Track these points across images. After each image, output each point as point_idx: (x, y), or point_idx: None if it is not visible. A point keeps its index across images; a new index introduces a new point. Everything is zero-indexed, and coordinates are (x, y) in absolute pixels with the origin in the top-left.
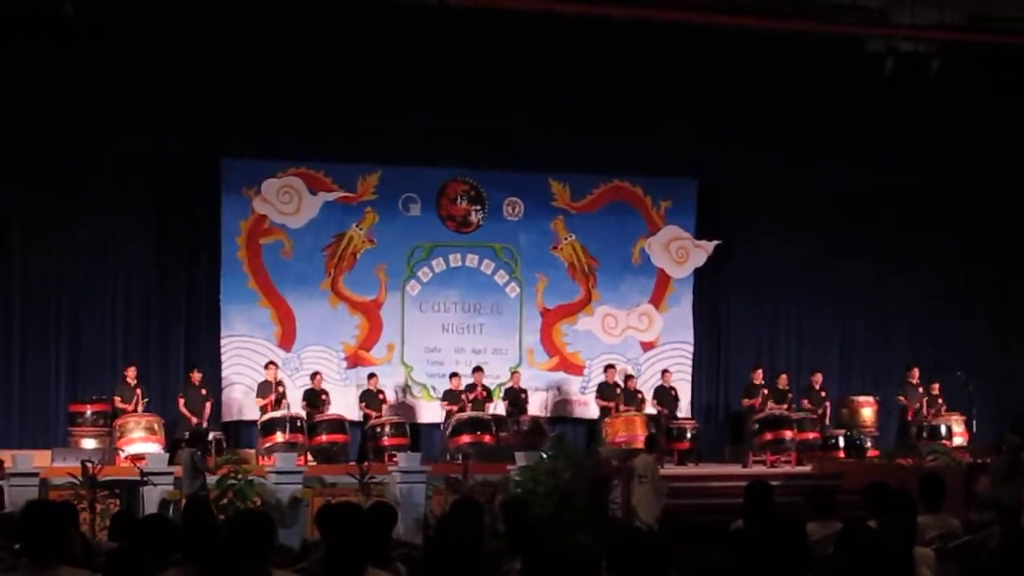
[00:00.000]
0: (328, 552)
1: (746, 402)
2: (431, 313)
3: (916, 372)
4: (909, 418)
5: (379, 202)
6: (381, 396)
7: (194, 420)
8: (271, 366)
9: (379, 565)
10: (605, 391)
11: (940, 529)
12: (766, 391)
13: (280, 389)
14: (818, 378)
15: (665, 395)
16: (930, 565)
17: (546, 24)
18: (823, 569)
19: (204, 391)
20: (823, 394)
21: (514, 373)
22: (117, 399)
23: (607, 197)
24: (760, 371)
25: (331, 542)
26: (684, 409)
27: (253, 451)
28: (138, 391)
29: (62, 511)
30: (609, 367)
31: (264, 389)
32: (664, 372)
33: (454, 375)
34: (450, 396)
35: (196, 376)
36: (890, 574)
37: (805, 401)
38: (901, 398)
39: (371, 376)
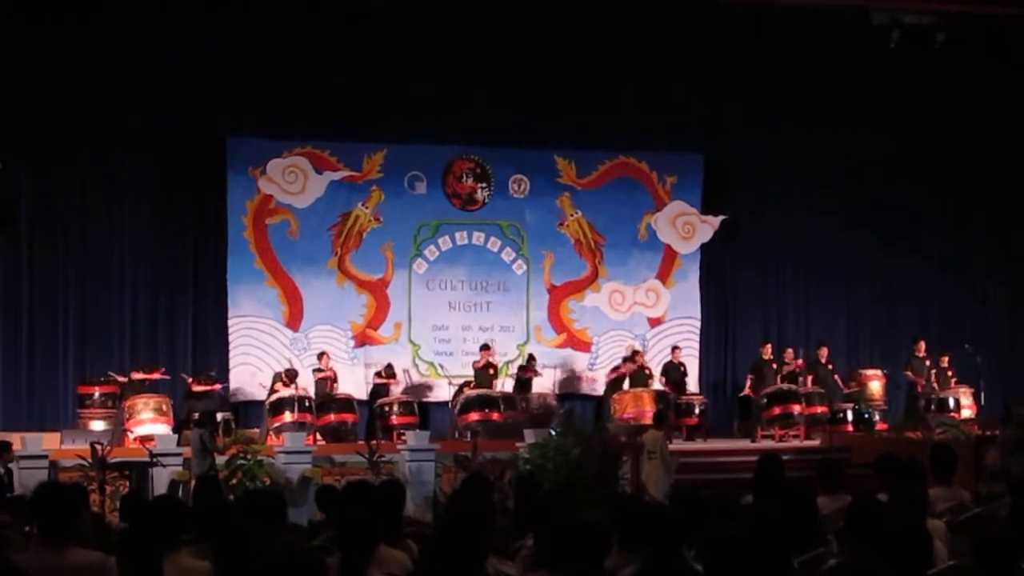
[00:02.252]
0: (340, 530)
1: (751, 379)
2: (438, 291)
3: (923, 345)
4: (919, 390)
5: (385, 180)
6: (387, 385)
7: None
8: (324, 356)
9: (390, 543)
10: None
11: (951, 501)
12: (775, 365)
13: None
14: (824, 352)
15: (674, 371)
16: (942, 538)
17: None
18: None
19: (219, 385)
20: (830, 367)
21: (531, 358)
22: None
23: (613, 173)
24: (769, 346)
25: (342, 520)
26: (692, 384)
27: (258, 431)
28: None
29: (73, 492)
30: (636, 353)
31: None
32: (674, 348)
33: (484, 347)
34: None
35: (217, 387)
36: (905, 547)
37: (811, 378)
38: (909, 373)
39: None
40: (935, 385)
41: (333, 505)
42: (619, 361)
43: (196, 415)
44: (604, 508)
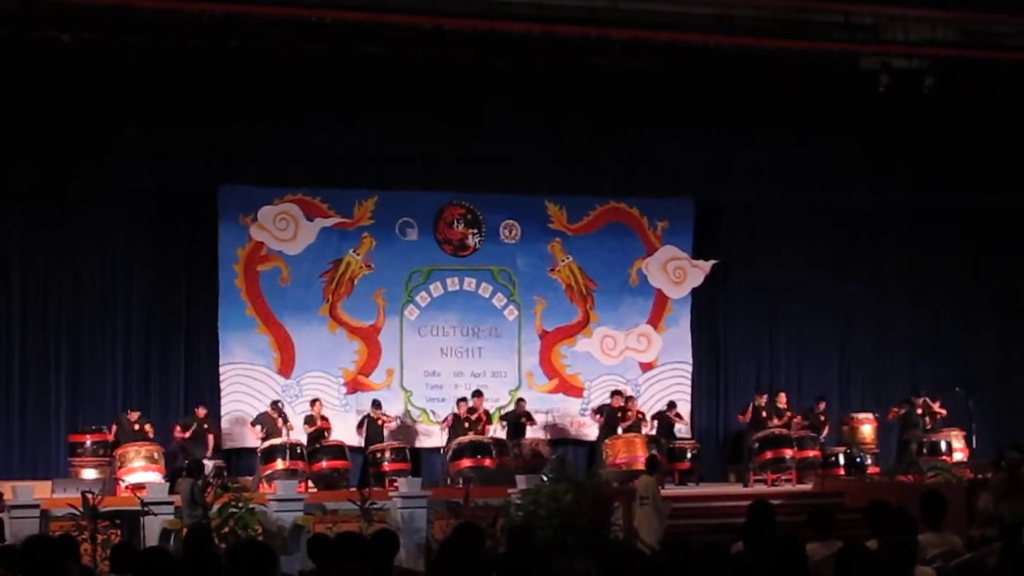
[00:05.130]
0: None
1: (740, 418)
2: (430, 337)
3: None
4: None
5: (376, 227)
6: (381, 422)
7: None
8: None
9: None
10: (608, 414)
11: (941, 547)
12: (764, 414)
13: (281, 421)
14: (822, 406)
15: (665, 421)
16: None
17: (543, 45)
18: None
19: (207, 425)
20: (823, 418)
21: (520, 401)
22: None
23: (604, 218)
24: (765, 396)
25: (333, 573)
26: (684, 429)
27: (251, 478)
28: (145, 429)
29: (61, 546)
30: (616, 393)
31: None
32: (671, 405)
33: (462, 400)
34: (456, 420)
35: (201, 411)
36: None
37: (799, 418)
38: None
39: (375, 404)
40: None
41: (325, 555)
42: (605, 401)
43: (187, 463)
44: (595, 557)
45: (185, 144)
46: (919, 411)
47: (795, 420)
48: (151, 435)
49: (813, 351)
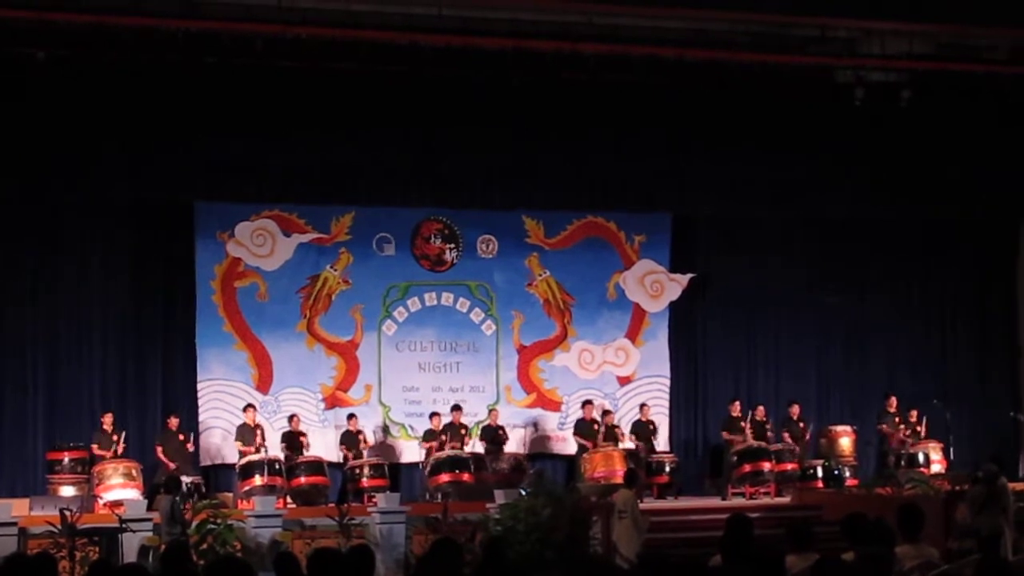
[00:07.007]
0: None
1: (726, 435)
2: (408, 353)
3: (894, 401)
4: (892, 445)
5: (353, 243)
6: (360, 437)
7: (172, 466)
8: (250, 409)
9: None
10: (583, 428)
11: (918, 559)
12: (746, 425)
13: (259, 432)
14: (795, 410)
15: (643, 429)
16: None
17: (518, 61)
18: None
19: (182, 436)
20: (802, 425)
21: (492, 411)
22: (95, 447)
23: (581, 233)
24: (738, 403)
25: None
26: (662, 443)
27: (231, 495)
28: (115, 437)
29: (39, 564)
30: (587, 403)
31: (243, 433)
32: (642, 406)
33: (434, 414)
34: (429, 435)
35: (174, 422)
36: None
37: (786, 434)
38: (884, 427)
39: (350, 417)
40: (905, 439)
41: (291, 574)
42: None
43: (165, 479)
44: (573, 571)
45: (161, 161)
46: (891, 411)
47: (770, 435)
48: (120, 450)
49: (791, 364)
